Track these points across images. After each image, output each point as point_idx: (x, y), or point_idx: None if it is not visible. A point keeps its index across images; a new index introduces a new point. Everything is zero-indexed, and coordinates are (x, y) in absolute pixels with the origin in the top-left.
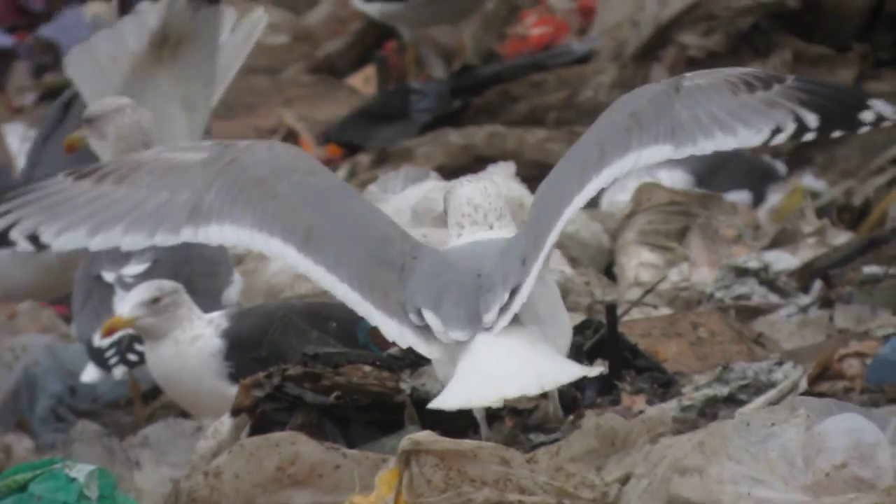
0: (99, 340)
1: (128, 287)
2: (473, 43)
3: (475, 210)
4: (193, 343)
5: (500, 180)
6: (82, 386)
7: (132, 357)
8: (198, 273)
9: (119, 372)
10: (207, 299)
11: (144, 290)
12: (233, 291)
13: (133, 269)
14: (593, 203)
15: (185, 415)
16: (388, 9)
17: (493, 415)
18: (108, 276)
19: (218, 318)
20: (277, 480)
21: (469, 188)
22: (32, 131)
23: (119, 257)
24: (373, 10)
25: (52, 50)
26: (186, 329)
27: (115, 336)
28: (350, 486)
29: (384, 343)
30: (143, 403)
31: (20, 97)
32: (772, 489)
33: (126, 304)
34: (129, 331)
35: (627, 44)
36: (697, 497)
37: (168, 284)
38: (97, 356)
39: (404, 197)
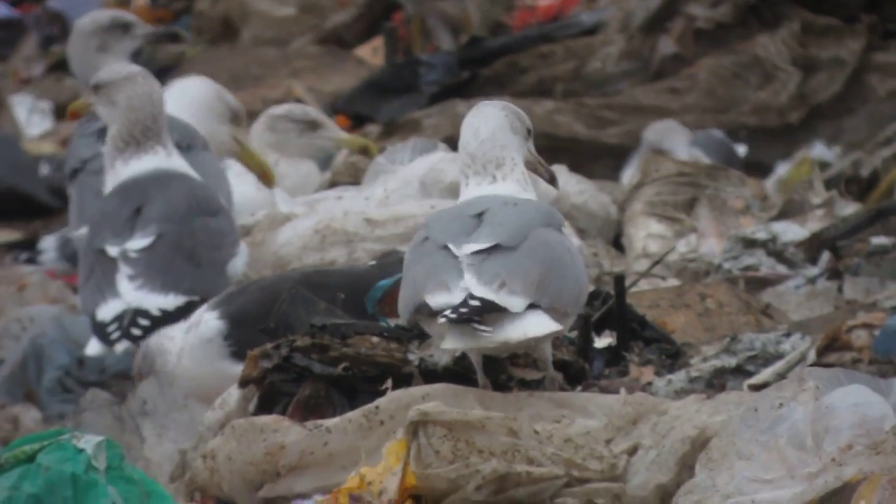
0: (102, 314)
1: (131, 262)
2: (481, 14)
3: (473, 160)
4: (191, 331)
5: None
6: (90, 357)
7: (135, 331)
8: (202, 245)
9: (121, 347)
10: (212, 271)
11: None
12: (238, 263)
13: (137, 243)
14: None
15: None
16: None
17: (500, 384)
18: (112, 251)
19: (210, 304)
20: (269, 462)
21: (467, 128)
22: (42, 102)
23: (122, 230)
24: None
25: (59, 21)
26: (172, 357)
27: (119, 310)
28: (344, 456)
29: (392, 313)
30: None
31: (28, 68)
32: (777, 488)
33: None
34: (133, 306)
35: (635, 15)
36: None
37: (136, 358)
38: (100, 331)
39: (412, 168)
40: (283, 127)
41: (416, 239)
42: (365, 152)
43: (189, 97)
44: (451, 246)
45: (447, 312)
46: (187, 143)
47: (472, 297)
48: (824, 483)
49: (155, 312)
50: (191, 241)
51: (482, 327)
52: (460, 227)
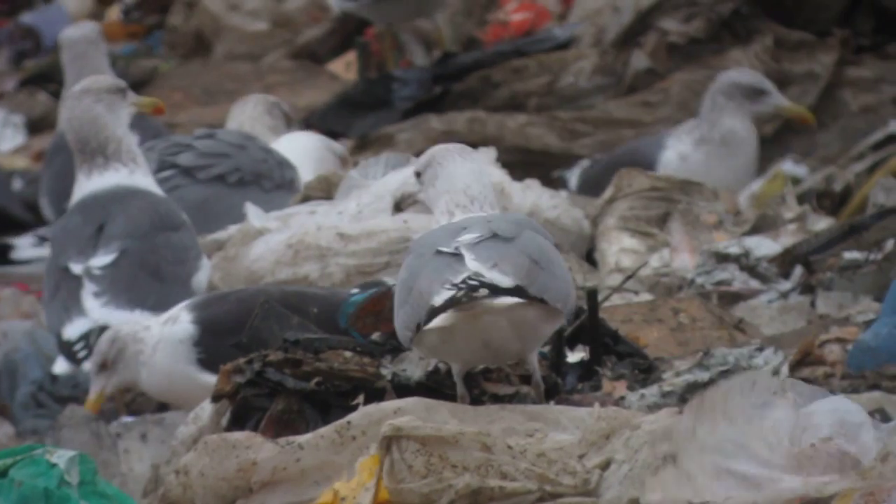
0: (69, 333)
1: (95, 279)
2: (453, 29)
3: (471, 202)
4: (167, 326)
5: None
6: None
7: None
8: (165, 260)
9: (88, 365)
10: (176, 286)
11: (91, 364)
12: (202, 277)
13: (100, 259)
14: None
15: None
16: (345, 6)
17: (473, 399)
18: (76, 268)
19: (189, 305)
20: (242, 478)
21: (466, 174)
22: (15, 117)
23: (86, 248)
24: (334, 4)
25: (32, 36)
26: (146, 348)
27: (85, 329)
28: (317, 472)
29: (365, 328)
30: (122, 392)
31: (0, 83)
32: (754, 461)
33: (90, 390)
34: (99, 323)
35: (608, 30)
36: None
37: (103, 341)
38: (66, 349)
39: (385, 183)
40: (278, 112)
41: (406, 260)
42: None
43: (301, 150)
44: (443, 248)
45: (447, 287)
46: (276, 182)
47: (471, 277)
48: (804, 486)
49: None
50: (154, 256)
51: (478, 294)
52: (450, 235)
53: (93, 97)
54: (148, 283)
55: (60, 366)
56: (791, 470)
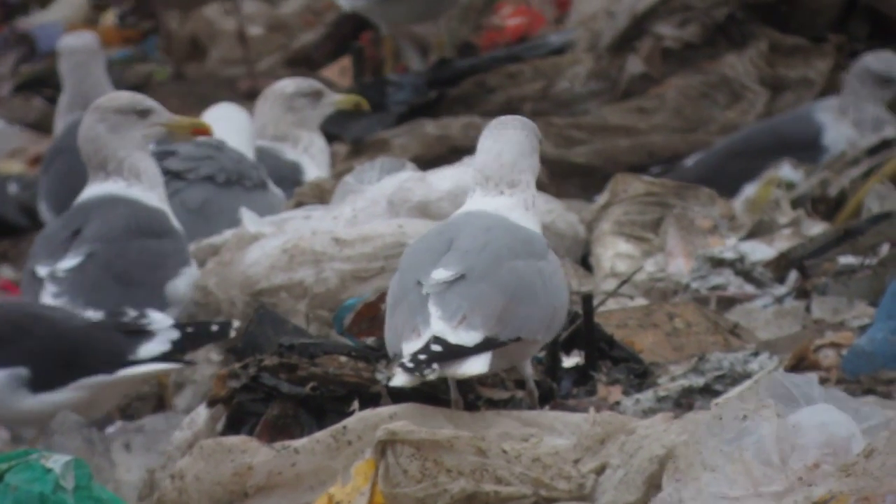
0: None
1: (57, 281)
2: (449, 34)
3: (486, 180)
4: None
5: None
6: None
7: None
8: (136, 264)
9: None
10: (144, 291)
11: None
12: (180, 284)
13: (67, 263)
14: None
15: (161, 406)
16: (356, 4)
17: (469, 404)
18: (42, 271)
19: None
20: (237, 483)
21: (487, 151)
22: (11, 128)
23: (57, 252)
24: (344, 3)
25: (28, 41)
26: None
27: None
28: (312, 477)
29: (361, 333)
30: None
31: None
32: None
33: None
34: None
35: (603, 35)
36: None
37: None
38: None
39: (380, 187)
40: (300, 104)
41: (394, 277)
42: (359, 107)
43: (241, 124)
44: (423, 282)
45: (405, 362)
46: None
47: (434, 340)
48: (793, 502)
49: None
50: (122, 260)
51: (429, 369)
52: (431, 257)
53: (97, 116)
54: (111, 286)
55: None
56: (785, 484)
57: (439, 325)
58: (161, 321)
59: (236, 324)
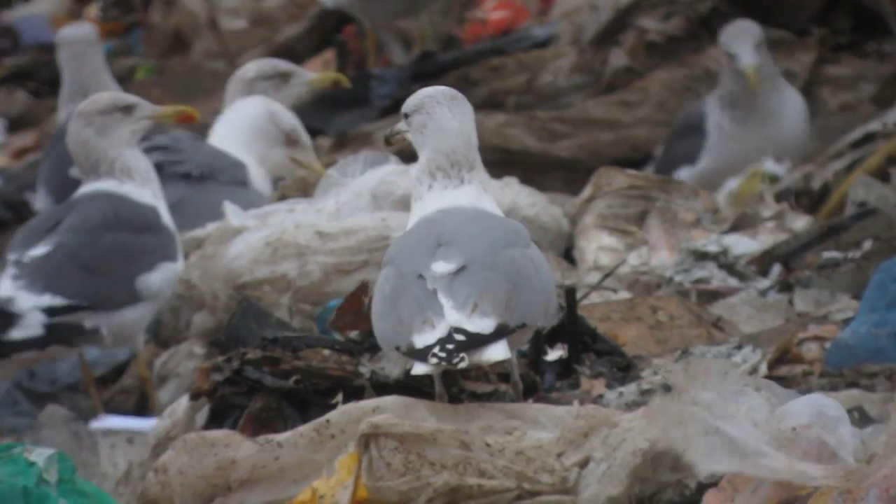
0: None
1: (20, 266)
2: (432, 28)
3: (451, 166)
4: None
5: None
6: (40, 368)
7: None
8: (105, 256)
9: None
10: (110, 282)
11: None
12: (154, 278)
13: (36, 251)
14: None
15: (144, 399)
16: (339, 0)
17: (452, 397)
18: (11, 257)
19: None
20: (221, 477)
21: (453, 135)
22: None
23: (32, 240)
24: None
25: (10, 34)
26: None
27: None
28: (296, 470)
29: (346, 328)
30: (97, 388)
31: None
32: (738, 429)
33: None
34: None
35: (587, 28)
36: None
37: None
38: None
39: (363, 181)
40: (261, 87)
41: (387, 271)
42: (338, 85)
43: (240, 120)
44: (425, 275)
45: (436, 352)
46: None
47: (455, 330)
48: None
49: (24, 305)
50: (90, 251)
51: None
52: (425, 251)
53: (83, 121)
54: (74, 273)
55: None
56: (772, 444)
57: (454, 315)
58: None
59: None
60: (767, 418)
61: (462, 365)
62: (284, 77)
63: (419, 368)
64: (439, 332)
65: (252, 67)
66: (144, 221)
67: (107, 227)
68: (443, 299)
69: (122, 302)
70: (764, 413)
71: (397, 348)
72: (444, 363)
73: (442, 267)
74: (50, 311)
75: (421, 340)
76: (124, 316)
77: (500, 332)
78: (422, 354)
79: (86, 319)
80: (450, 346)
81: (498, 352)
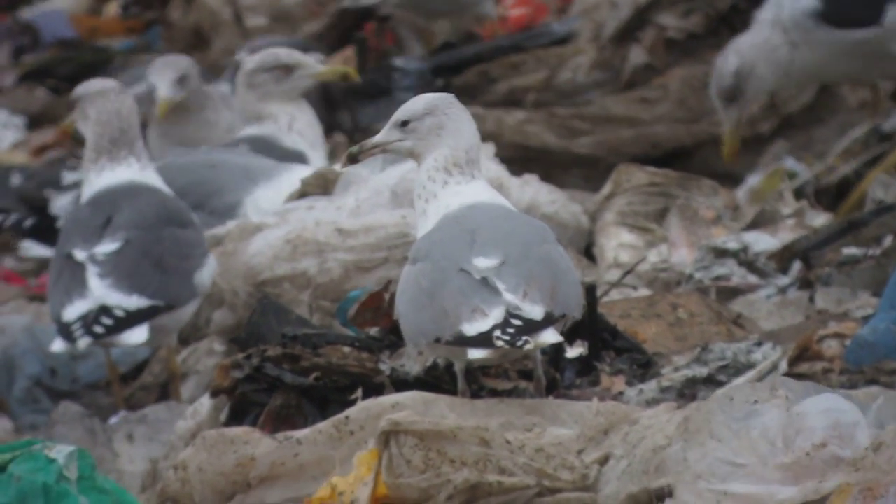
0: (68, 316)
1: (100, 263)
2: (451, 24)
3: (467, 164)
4: None
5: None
6: (62, 367)
7: (98, 329)
8: (169, 253)
9: (83, 343)
10: (178, 278)
11: None
12: (205, 273)
13: (105, 247)
14: None
15: (164, 396)
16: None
17: (472, 394)
18: (80, 255)
19: None
20: (240, 474)
21: (471, 134)
22: (15, 118)
23: (92, 237)
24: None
25: (30, 31)
26: None
27: (84, 310)
28: (315, 467)
29: (365, 324)
30: (121, 385)
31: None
32: (750, 479)
33: None
34: (99, 303)
35: (606, 25)
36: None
37: None
38: (64, 329)
39: (383, 177)
40: (261, 80)
41: (421, 266)
42: (346, 79)
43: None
44: (467, 268)
45: (500, 335)
46: None
47: (511, 314)
48: (802, 493)
49: (118, 312)
50: (158, 247)
51: (522, 340)
52: (463, 247)
53: (117, 92)
54: (150, 272)
55: (57, 345)
56: (786, 480)
57: (509, 297)
58: None
59: None
60: (782, 433)
61: (528, 347)
62: (287, 69)
63: (475, 354)
64: (493, 318)
65: (253, 60)
66: (185, 216)
67: (161, 222)
68: (498, 284)
69: (186, 299)
70: (778, 429)
71: (437, 339)
72: (507, 346)
73: (483, 262)
74: (143, 314)
75: (472, 328)
76: (185, 313)
77: (547, 320)
78: (473, 342)
79: (161, 319)
80: (511, 330)
81: (553, 336)
